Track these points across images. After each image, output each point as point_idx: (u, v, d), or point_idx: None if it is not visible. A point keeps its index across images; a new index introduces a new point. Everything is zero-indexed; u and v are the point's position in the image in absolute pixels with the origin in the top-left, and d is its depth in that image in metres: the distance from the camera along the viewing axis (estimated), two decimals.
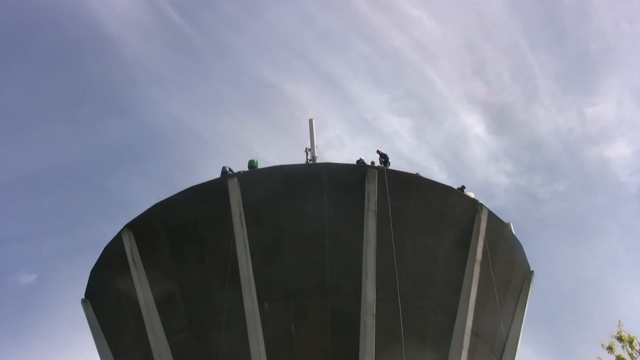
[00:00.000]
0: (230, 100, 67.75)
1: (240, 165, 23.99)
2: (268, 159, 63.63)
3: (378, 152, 25.86)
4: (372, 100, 67.73)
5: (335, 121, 65.48)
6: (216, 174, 24.14)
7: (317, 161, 27.14)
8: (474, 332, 23.44)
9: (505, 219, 25.77)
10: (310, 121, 28.81)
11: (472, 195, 25.08)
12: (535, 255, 27.53)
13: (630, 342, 16.75)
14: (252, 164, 24.42)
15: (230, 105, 67.82)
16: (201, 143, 66.66)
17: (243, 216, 22.67)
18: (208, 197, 23.39)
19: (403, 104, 68.11)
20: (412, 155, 65.29)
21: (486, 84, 68.31)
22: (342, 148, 62.79)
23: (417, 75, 68.15)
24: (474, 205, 24.52)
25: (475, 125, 68.31)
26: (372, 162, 25.00)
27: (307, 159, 27.38)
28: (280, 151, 60.53)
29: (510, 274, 25.47)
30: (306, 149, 27.87)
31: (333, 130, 63.51)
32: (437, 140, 69.27)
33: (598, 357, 16.90)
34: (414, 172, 24.55)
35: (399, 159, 60.64)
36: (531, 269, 26.55)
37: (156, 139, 68.55)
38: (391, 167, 24.95)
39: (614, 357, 16.51)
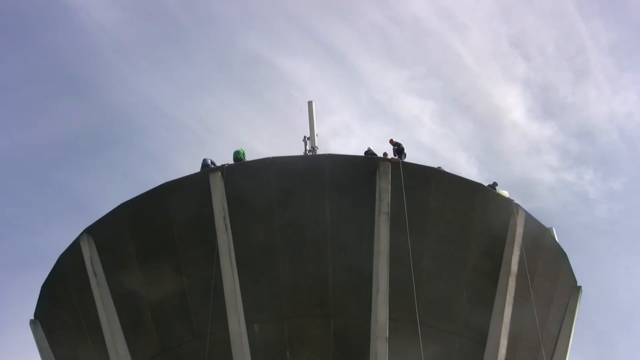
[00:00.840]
0: (214, 78, 65.74)
1: (224, 158, 23.81)
2: (260, 150, 62.24)
3: (391, 141, 25.33)
4: (387, 79, 65.35)
5: (341, 104, 63.40)
6: (196, 168, 23.75)
7: (318, 152, 26.80)
8: None
9: (547, 223, 25.33)
10: (310, 104, 28.35)
11: (506, 194, 24.47)
12: (584, 267, 27.99)
13: None
14: (238, 156, 24.00)
15: (215, 85, 65.59)
16: (179, 130, 64.67)
17: (228, 219, 22.21)
18: (185, 196, 22.89)
19: (424, 83, 65.55)
20: (435, 146, 63.29)
21: (526, 59, 65.65)
22: (349, 137, 60.99)
23: (442, 48, 65.06)
24: (509, 207, 23.96)
25: (512, 110, 65.57)
26: (385, 154, 24.30)
27: (305, 149, 26.99)
28: (274, 140, 58.67)
29: (552, 290, 24.95)
30: (304, 137, 27.31)
31: (339, 115, 61.60)
32: (466, 127, 66.75)
33: None
34: (436, 166, 23.91)
35: (418, 150, 59.12)
36: (578, 284, 26.06)
37: (124, 125, 65.83)
38: (407, 159, 24.46)
39: None
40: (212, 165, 23.21)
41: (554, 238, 25.31)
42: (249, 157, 24.05)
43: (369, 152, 24.21)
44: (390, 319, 21.59)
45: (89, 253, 23.46)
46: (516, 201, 24.10)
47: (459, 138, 65.24)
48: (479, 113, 65.36)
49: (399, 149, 24.82)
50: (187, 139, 63.25)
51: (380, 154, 24.13)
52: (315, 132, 27.42)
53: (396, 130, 63.01)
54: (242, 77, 64.04)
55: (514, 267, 23.33)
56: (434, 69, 64.68)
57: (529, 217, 24.22)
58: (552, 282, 24.84)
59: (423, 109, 63.90)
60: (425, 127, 63.51)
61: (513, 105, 65.08)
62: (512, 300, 23.10)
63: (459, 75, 64.91)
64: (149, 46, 64.16)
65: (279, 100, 62.93)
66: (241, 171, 22.88)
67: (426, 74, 64.80)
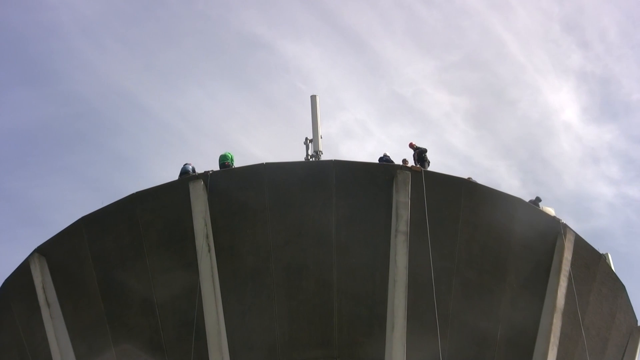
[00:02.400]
0: (201, 66, 64.53)
1: (211, 163, 23.82)
2: (256, 154, 62.59)
3: (412, 145, 25.30)
4: (412, 69, 64.07)
5: (356, 99, 62.71)
6: (176, 175, 23.77)
7: (323, 157, 26.87)
8: None
9: (602, 248, 25.15)
10: (313, 99, 28.36)
11: (551, 211, 24.39)
12: None
13: None
14: (225, 161, 23.94)
15: (202, 74, 64.76)
16: (157, 128, 63.89)
17: (211, 238, 22.15)
18: (160, 209, 22.84)
19: (458, 74, 64.39)
20: (470, 151, 62.73)
21: (582, 46, 64.47)
22: (365, 139, 60.56)
23: (480, 32, 63.89)
24: (555, 227, 23.84)
25: (564, 108, 64.33)
26: (404, 161, 24.11)
27: (307, 154, 27.07)
28: (273, 142, 58.38)
29: (607, 329, 24.73)
30: (306, 139, 27.37)
31: (353, 113, 61.17)
32: (508, 129, 66.01)
33: None
34: (466, 177, 23.72)
35: (448, 155, 58.43)
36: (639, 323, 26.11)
37: (89, 120, 64.67)
38: (431, 167, 24.44)
39: None
40: (194, 172, 23.28)
41: (610, 266, 25.32)
42: (239, 162, 24.05)
43: (385, 159, 24.21)
44: None
45: (41, 277, 23.38)
46: (564, 220, 24.07)
47: (499, 142, 64.80)
48: (524, 112, 64.62)
49: (420, 155, 24.77)
50: (167, 138, 62.74)
51: (398, 161, 23.98)
52: (320, 132, 27.61)
53: (422, 131, 61.78)
54: (235, 65, 63.72)
55: (561, 301, 23.23)
56: (470, 58, 63.65)
57: (579, 240, 24.19)
58: (608, 320, 24.77)
59: (455, 106, 63.10)
60: (457, 128, 62.87)
61: (565, 103, 63.97)
62: (557, 341, 22.98)
63: (499, 65, 64.25)
64: (122, 25, 62.94)
65: (280, 93, 62.36)
66: (228, 179, 22.75)
67: (460, 64, 63.82)
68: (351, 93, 61.79)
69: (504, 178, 61.36)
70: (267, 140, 59.09)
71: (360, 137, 59.80)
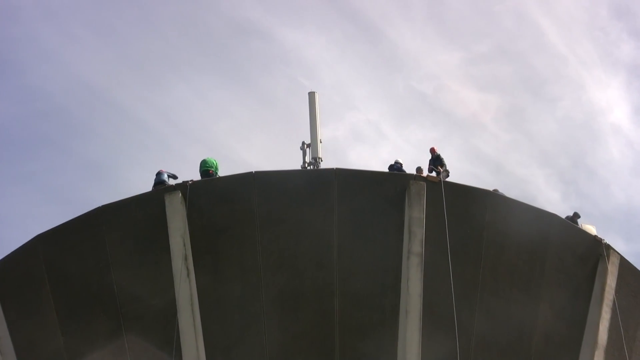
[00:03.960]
0: (186, 57, 63.59)
1: (193, 170, 23.61)
2: (249, 161, 62.26)
3: (433, 151, 24.98)
4: (434, 61, 63.61)
5: (368, 97, 62.02)
6: (149, 185, 23.73)
7: (323, 165, 26.87)
8: None
9: None
10: (311, 96, 28.41)
11: (592, 230, 24.51)
12: None
13: None
14: (206, 167, 23.78)
15: (186, 67, 63.70)
16: (134, 129, 63.05)
17: (190, 259, 22.12)
18: (130, 225, 22.80)
19: (488, 68, 63.34)
20: (501, 158, 61.99)
21: (635, 35, 63.34)
22: (379, 144, 59.78)
23: (515, 18, 63.31)
24: (596, 248, 23.85)
25: (613, 108, 63.77)
26: (419, 169, 24.13)
27: (304, 161, 27.08)
28: (269, 147, 58.24)
29: None
30: (303, 144, 27.28)
31: (363, 112, 60.33)
32: (547, 132, 64.58)
33: None
34: (492, 189, 23.82)
35: (475, 162, 58.20)
36: None
37: (52, 120, 63.69)
38: (453, 177, 24.27)
39: None
40: (170, 180, 23.27)
41: None
42: (227, 170, 23.91)
43: (396, 167, 24.25)
44: None
45: None
46: (608, 240, 24.06)
47: (536, 147, 63.40)
48: (565, 112, 63.85)
49: (436, 163, 24.58)
50: (146, 142, 62.07)
51: (412, 170, 23.98)
52: (319, 136, 27.45)
53: (445, 134, 60.78)
54: (226, 56, 62.99)
55: (603, 336, 23.20)
56: (502, 48, 63.03)
57: (625, 264, 24.20)
58: None
59: (485, 105, 61.97)
60: (486, 130, 61.87)
61: (614, 101, 63.30)
62: None
63: (536, 57, 63.16)
64: (93, 8, 62.20)
65: (278, 90, 61.63)
66: (211, 191, 22.74)
67: (490, 55, 63.06)
68: (362, 90, 61.16)
69: (542, 190, 60.47)
70: (262, 145, 58.55)
71: (372, 142, 59.25)
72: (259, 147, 57.40)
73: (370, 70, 61.74)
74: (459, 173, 24.81)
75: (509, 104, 62.60)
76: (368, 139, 58.86)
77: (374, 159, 64.22)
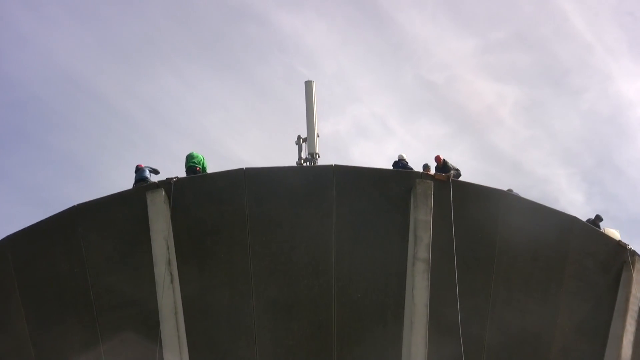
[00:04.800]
0: (173, 43, 63.52)
1: (177, 167, 23.65)
2: (242, 157, 61.08)
3: (438, 160, 24.84)
4: (446, 49, 63.40)
5: (373, 88, 62.10)
6: (129, 182, 23.74)
7: (320, 161, 26.85)
8: None
9: None
10: (308, 85, 28.48)
11: (616, 234, 24.40)
12: None
13: None
14: (192, 163, 23.83)
15: (173, 54, 63.85)
16: (116, 122, 62.77)
17: (175, 264, 22.07)
18: (108, 227, 22.78)
19: (505, 57, 63.56)
20: (520, 156, 62.01)
21: None
22: (384, 139, 59.91)
23: (535, 2, 62.98)
24: (620, 255, 23.82)
25: None
26: (426, 167, 24.30)
27: (300, 157, 27.06)
28: (264, 142, 58.09)
29: None
30: (299, 138, 27.17)
31: (368, 105, 60.63)
32: (570, 128, 64.94)
33: None
34: (506, 189, 23.84)
35: (492, 160, 58.60)
36: None
37: (28, 113, 63.77)
38: (465, 175, 24.47)
39: None
40: (151, 175, 23.30)
41: None
42: (215, 166, 23.92)
43: (401, 164, 23.97)
44: None
45: None
46: (632, 246, 24.05)
47: (558, 144, 63.67)
48: (591, 105, 63.69)
49: (445, 164, 24.63)
50: (129, 136, 62.26)
51: (419, 168, 24.02)
52: (316, 130, 27.38)
53: (457, 130, 61.35)
54: (216, 42, 62.77)
55: (627, 350, 23.28)
56: (521, 35, 62.49)
57: None
58: None
59: (502, 97, 62.21)
60: (503, 125, 61.89)
61: None
62: None
63: (559, 44, 62.82)
64: None
65: (274, 79, 61.81)
66: (198, 189, 22.69)
67: (508, 43, 62.75)
68: (366, 80, 61.09)
69: (564, 191, 60.65)
70: (257, 140, 58.67)
71: (377, 137, 59.38)
72: (252, 142, 57.90)
73: (375, 59, 61.33)
74: (472, 172, 24.69)
75: (528, 96, 62.11)
76: (372, 134, 58.99)
77: (378, 156, 64.05)
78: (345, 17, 61.06)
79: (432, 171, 23.91)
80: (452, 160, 24.97)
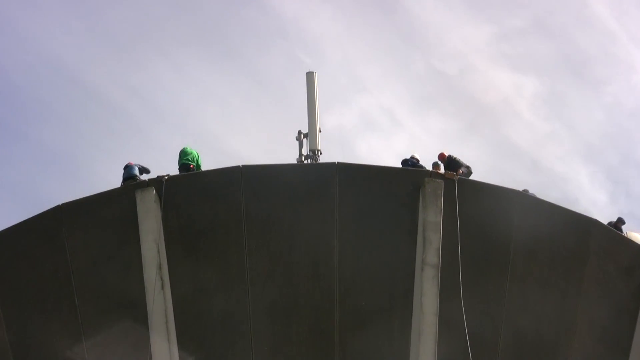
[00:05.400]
0: (165, 28, 62.86)
1: (170, 163, 23.83)
2: (240, 152, 61.11)
3: (442, 157, 24.85)
4: (460, 37, 62.73)
5: (381, 78, 61.17)
6: (120, 179, 23.75)
7: (322, 159, 26.82)
8: None
9: None
10: (309, 77, 28.45)
11: (639, 238, 24.42)
12: None
13: None
14: (186, 159, 23.91)
15: (165, 39, 63.23)
16: (102, 112, 61.97)
17: (165, 267, 22.07)
18: (94, 228, 22.81)
19: (523, 45, 63.11)
20: (538, 152, 61.03)
21: None
22: (393, 134, 59.07)
23: None
24: None
25: None
26: (436, 165, 24.41)
27: (300, 153, 27.10)
28: (263, 137, 57.30)
29: None
30: (300, 133, 27.34)
31: (376, 96, 59.92)
32: (592, 122, 64.32)
33: None
34: (521, 189, 23.88)
35: (508, 157, 57.36)
36: None
37: (6, 102, 62.88)
38: (477, 174, 24.42)
39: None
40: (142, 175, 23.31)
41: None
42: (210, 163, 23.92)
43: (411, 163, 24.22)
44: None
45: None
46: None
47: (579, 140, 63.00)
48: (614, 98, 62.93)
49: (452, 166, 24.60)
50: (117, 128, 61.43)
51: (424, 166, 24.14)
52: (318, 124, 27.53)
53: (471, 123, 59.82)
54: (212, 28, 62.28)
55: None
56: (540, 22, 61.79)
57: None
58: None
59: (519, 89, 60.85)
60: (521, 119, 60.72)
61: None
62: None
63: (581, 32, 62.51)
64: None
65: (274, 68, 60.77)
66: (191, 187, 22.70)
67: (526, 30, 62.00)
68: (374, 69, 59.95)
69: (585, 191, 59.70)
70: (256, 135, 57.48)
71: (385, 131, 58.39)
72: (252, 137, 57.22)
73: (383, 47, 60.54)
74: (486, 169, 24.44)
75: (547, 88, 61.25)
76: (380, 128, 58.30)
77: (387, 152, 63.01)
78: (353, 1, 60.95)
79: (443, 169, 23.61)
80: (465, 157, 24.64)
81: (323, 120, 26.70)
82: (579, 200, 57.40)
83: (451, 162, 24.55)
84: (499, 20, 60.69)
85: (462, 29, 60.64)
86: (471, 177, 24.08)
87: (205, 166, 23.85)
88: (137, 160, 24.09)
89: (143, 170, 23.40)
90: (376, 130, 57.86)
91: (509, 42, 60.79)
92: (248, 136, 57.69)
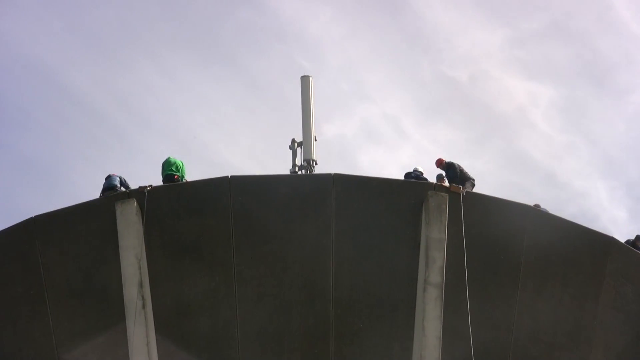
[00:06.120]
0: (153, 29, 63.43)
1: (156, 172, 23.90)
2: (232, 162, 60.92)
3: (440, 163, 25.07)
4: (471, 41, 63.35)
5: (385, 85, 61.71)
6: (99, 191, 23.80)
7: (318, 169, 27.03)
8: None
9: None
10: (305, 81, 28.54)
11: None
12: None
13: None
14: (170, 170, 23.89)
15: (153, 41, 63.61)
16: (84, 119, 62.16)
17: (147, 287, 21.99)
18: (71, 243, 22.67)
19: (539, 50, 63.35)
20: (555, 165, 61.30)
21: None
22: (398, 144, 59.61)
23: None
24: None
25: None
26: (440, 178, 24.49)
27: (294, 163, 27.22)
28: (258, 146, 58.22)
29: None
30: (293, 142, 27.19)
31: (379, 105, 60.06)
32: (613, 133, 64.35)
33: None
34: (532, 204, 23.73)
35: (523, 170, 57.51)
36: None
37: None
38: (490, 188, 25.04)
39: None
40: (122, 187, 23.35)
41: None
42: (198, 173, 23.96)
43: (414, 175, 24.31)
44: None
45: None
46: None
47: (599, 152, 63.25)
48: (637, 108, 62.92)
49: (451, 174, 24.65)
50: (100, 136, 61.42)
51: (428, 179, 24.12)
52: (314, 133, 27.34)
53: (483, 134, 60.20)
54: (204, 29, 62.70)
55: None
56: (558, 26, 61.94)
57: None
58: None
59: (534, 97, 61.51)
60: (536, 130, 60.99)
61: None
62: None
63: (602, 36, 62.08)
64: None
65: (270, 73, 61.17)
66: (175, 199, 22.62)
67: (543, 34, 62.23)
68: (378, 75, 60.28)
69: (605, 207, 60.09)
70: (248, 143, 58.39)
71: (390, 142, 58.85)
72: (245, 145, 57.37)
73: (388, 51, 60.53)
74: (499, 183, 24.33)
75: (564, 96, 61.37)
76: (384, 139, 58.36)
77: (390, 165, 63.31)
78: (355, 2, 60.70)
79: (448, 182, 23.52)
80: (475, 170, 24.56)
81: (322, 129, 26.76)
82: (599, 217, 57.40)
83: (450, 169, 24.69)
84: (513, 23, 60.62)
85: (473, 32, 60.74)
86: (480, 191, 23.78)
87: (193, 176, 23.52)
88: (121, 172, 24.05)
89: (123, 184, 23.18)
90: (379, 140, 58.00)
91: (524, 46, 60.96)
92: (240, 145, 57.86)
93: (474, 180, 24.76)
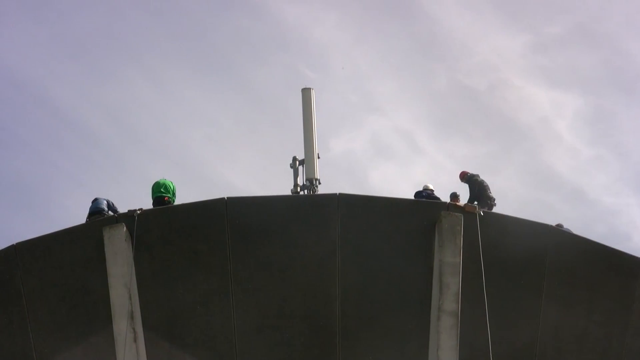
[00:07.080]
0: (146, 37, 63.50)
1: (145, 195, 23.88)
2: (232, 181, 60.41)
3: (463, 175, 25.25)
4: (490, 47, 63.10)
5: (397, 96, 61.34)
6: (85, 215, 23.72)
7: (322, 188, 26.59)
8: None
9: None
10: (306, 94, 28.14)
11: None
12: None
13: None
14: (160, 193, 23.81)
15: (146, 50, 63.43)
16: (72, 135, 62.14)
17: (139, 317, 21.74)
18: (55, 271, 22.57)
19: (564, 56, 63.30)
20: (581, 181, 60.98)
21: None
22: (411, 160, 59.24)
23: None
24: None
25: None
26: (454, 197, 24.44)
27: (295, 183, 26.93)
28: (259, 164, 57.95)
29: None
30: (295, 159, 27.03)
31: (391, 117, 59.68)
32: None
33: None
34: (554, 224, 23.80)
35: (547, 186, 57.08)
36: None
37: None
38: (508, 207, 24.55)
39: None
40: (109, 211, 23.30)
41: None
42: (195, 194, 23.75)
43: (426, 195, 24.28)
44: None
45: None
46: None
47: (629, 166, 62.56)
48: None
49: (475, 188, 24.58)
50: (88, 153, 61.23)
51: (440, 198, 24.11)
52: (316, 150, 27.27)
53: (504, 147, 59.55)
54: (201, 37, 62.36)
55: None
56: (583, 30, 61.82)
57: None
58: None
59: (559, 108, 60.96)
60: (561, 143, 60.38)
61: None
62: None
63: (631, 42, 61.37)
64: None
65: (272, 84, 60.75)
66: (167, 223, 22.49)
67: (567, 39, 61.95)
68: (389, 85, 59.83)
69: (638, 225, 59.70)
70: (249, 161, 58.33)
71: (402, 158, 58.45)
72: (243, 163, 57.16)
73: (400, 59, 60.16)
74: (521, 201, 23.86)
75: (592, 106, 60.63)
76: (396, 154, 58.08)
77: (403, 182, 63.24)
78: (362, 6, 60.21)
79: (464, 201, 23.40)
80: (494, 187, 24.29)
81: (329, 144, 26.34)
82: (631, 236, 57.09)
83: (469, 183, 24.71)
84: (535, 28, 60.25)
85: (492, 38, 60.55)
86: (500, 210, 23.64)
87: (188, 197, 23.14)
88: (110, 193, 23.69)
89: (111, 208, 23.06)
90: (391, 156, 57.84)
91: (547, 52, 60.59)
92: (239, 162, 57.72)
93: (494, 200, 24.56)
